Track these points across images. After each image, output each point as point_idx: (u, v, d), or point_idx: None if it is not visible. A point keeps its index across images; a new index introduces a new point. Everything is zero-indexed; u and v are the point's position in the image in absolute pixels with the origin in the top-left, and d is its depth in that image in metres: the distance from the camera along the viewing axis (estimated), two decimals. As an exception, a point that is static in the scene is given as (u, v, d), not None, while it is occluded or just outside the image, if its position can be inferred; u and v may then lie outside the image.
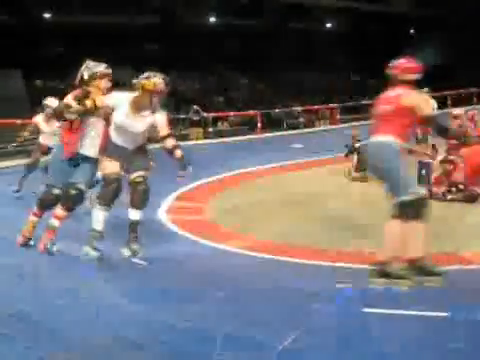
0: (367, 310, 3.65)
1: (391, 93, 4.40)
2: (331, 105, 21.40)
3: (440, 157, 8.61)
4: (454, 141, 8.52)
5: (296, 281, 4.48)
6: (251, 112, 19.99)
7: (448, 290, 4.23)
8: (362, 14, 28.12)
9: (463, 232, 6.28)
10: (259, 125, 18.87)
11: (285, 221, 6.96)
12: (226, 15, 27.50)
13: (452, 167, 7.93)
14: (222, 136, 18.54)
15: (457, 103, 20.27)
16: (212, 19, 28.40)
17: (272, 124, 20.45)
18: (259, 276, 4.72)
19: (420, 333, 3.32)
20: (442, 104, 13.72)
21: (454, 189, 7.65)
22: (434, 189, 7.75)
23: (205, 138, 17.82)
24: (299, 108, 21.20)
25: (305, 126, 20.31)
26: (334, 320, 3.59)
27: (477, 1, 25.12)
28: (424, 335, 3.30)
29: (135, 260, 5.00)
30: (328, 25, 29.55)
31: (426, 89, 11.88)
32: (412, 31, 32.48)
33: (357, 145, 9.94)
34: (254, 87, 27.37)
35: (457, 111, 9.96)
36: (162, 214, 7.32)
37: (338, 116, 20.98)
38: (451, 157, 8.15)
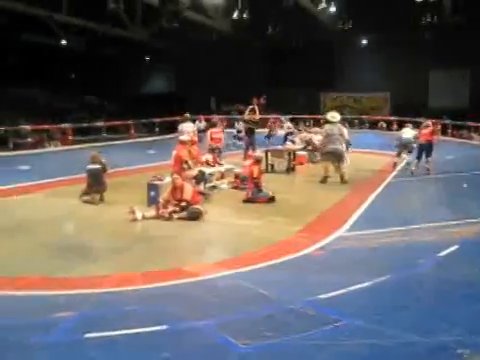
0: (89, 335, 3.61)
1: None
2: (63, 125, 20.67)
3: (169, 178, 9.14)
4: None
5: (15, 314, 4.16)
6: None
7: (171, 304, 4.53)
8: (100, 35, 28.03)
9: (187, 249, 6.81)
10: (-23, 144, 16.97)
11: (9, 251, 6.40)
12: None
13: (179, 186, 8.44)
14: None
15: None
16: None
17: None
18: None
19: (138, 349, 3.46)
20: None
21: (178, 208, 8.18)
22: (161, 211, 8.15)
23: None
24: (28, 127, 19.81)
25: (34, 146, 19.05)
26: (55, 351, 3.45)
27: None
28: (141, 350, 3.45)
29: None
30: (64, 42, 28.44)
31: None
32: (147, 58, 33.94)
33: (89, 167, 9.73)
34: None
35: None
36: None
37: (70, 137, 20.39)
38: (175, 176, 8.70)
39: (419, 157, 13.03)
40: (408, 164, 13.69)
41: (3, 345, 3.50)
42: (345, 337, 3.44)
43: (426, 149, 12.91)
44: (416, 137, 13.45)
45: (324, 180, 11.73)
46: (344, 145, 12.04)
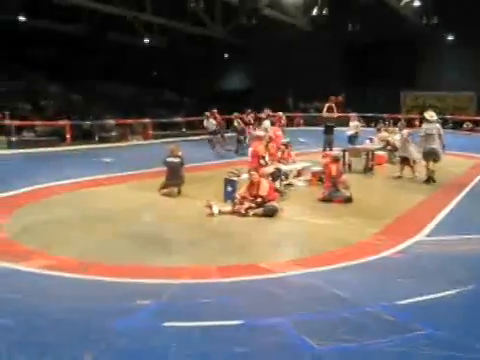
0: (167, 324, 3.71)
1: None
2: (144, 120, 21.45)
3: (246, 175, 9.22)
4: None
5: (96, 299, 4.36)
6: (60, 122, 18.92)
7: (246, 299, 4.56)
8: (181, 34, 28.82)
9: (262, 245, 6.83)
10: (68, 136, 18.01)
11: (92, 238, 6.76)
12: (38, 16, 25.30)
13: (256, 182, 8.48)
14: (27, 146, 17.09)
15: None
16: (21, 18, 25.65)
17: (83, 136, 19.67)
18: (57, 297, 4.47)
19: (214, 342, 3.51)
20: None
21: (254, 205, 8.22)
22: (237, 206, 8.23)
23: (8, 148, 16.34)
24: (112, 121, 20.77)
25: (117, 140, 19.96)
26: (134, 336, 3.58)
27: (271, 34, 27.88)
28: (216, 343, 3.49)
29: None
30: (147, 41, 29.55)
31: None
32: (226, 56, 34.39)
33: (168, 160, 10.00)
34: (66, 96, 25.97)
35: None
36: None
37: (151, 131, 21.13)
38: (253, 172, 8.74)
39: None
40: None
41: (85, 328, 3.65)
42: (427, 347, 3.28)
43: None
44: None
45: (428, 181, 11.53)
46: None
